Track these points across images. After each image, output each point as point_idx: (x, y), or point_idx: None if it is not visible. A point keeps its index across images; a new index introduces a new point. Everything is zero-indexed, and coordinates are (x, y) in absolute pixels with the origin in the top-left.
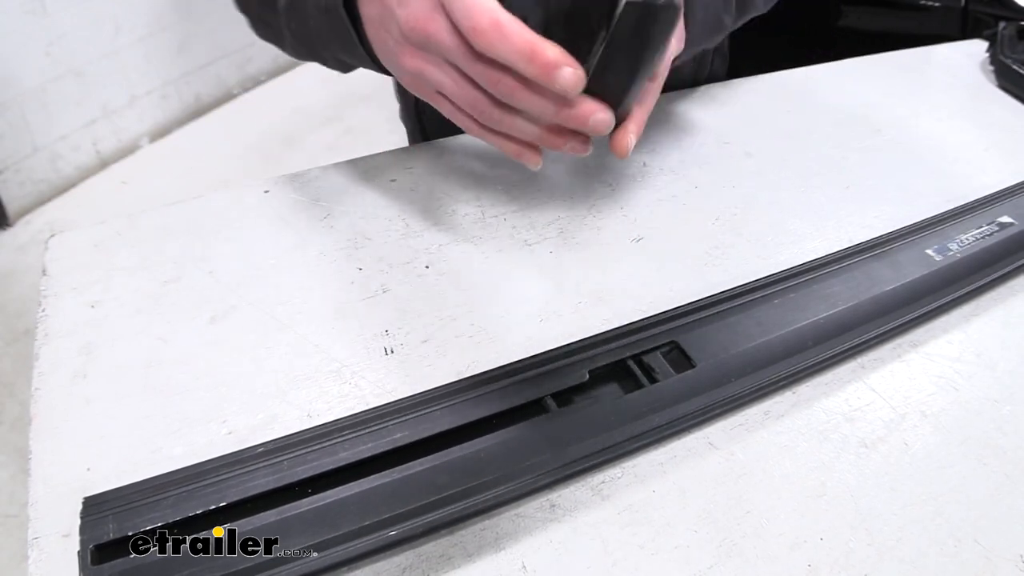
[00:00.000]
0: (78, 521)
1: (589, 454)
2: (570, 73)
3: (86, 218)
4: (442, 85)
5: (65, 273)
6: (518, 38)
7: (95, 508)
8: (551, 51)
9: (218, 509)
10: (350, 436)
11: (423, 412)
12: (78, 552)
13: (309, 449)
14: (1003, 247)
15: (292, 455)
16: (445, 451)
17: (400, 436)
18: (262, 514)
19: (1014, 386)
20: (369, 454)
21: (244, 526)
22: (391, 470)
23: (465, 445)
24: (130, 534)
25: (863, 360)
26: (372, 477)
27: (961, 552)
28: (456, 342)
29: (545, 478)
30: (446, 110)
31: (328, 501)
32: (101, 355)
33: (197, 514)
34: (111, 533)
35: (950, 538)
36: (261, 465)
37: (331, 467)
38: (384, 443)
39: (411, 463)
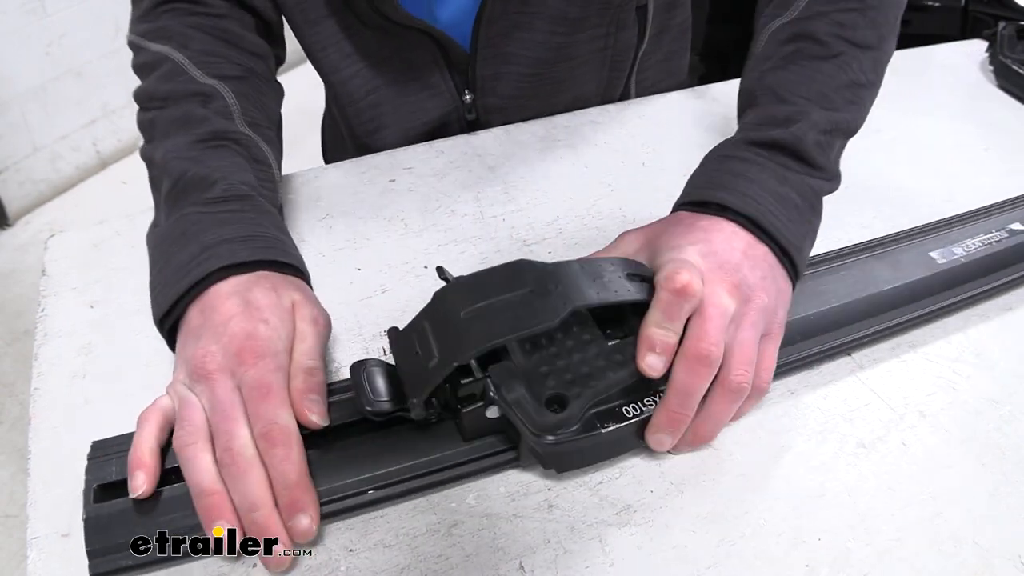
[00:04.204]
0: (85, 463)
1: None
2: (307, 524)
3: (86, 218)
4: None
5: (65, 273)
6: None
7: (100, 451)
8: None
9: None
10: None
11: None
12: (83, 490)
13: None
14: (1013, 254)
15: None
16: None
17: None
18: None
19: (1014, 386)
20: (357, 417)
21: None
22: (372, 433)
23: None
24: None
25: (862, 360)
26: (354, 440)
27: (961, 552)
28: None
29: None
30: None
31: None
32: (101, 355)
33: None
34: (113, 475)
35: (950, 538)
36: None
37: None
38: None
39: (396, 427)
